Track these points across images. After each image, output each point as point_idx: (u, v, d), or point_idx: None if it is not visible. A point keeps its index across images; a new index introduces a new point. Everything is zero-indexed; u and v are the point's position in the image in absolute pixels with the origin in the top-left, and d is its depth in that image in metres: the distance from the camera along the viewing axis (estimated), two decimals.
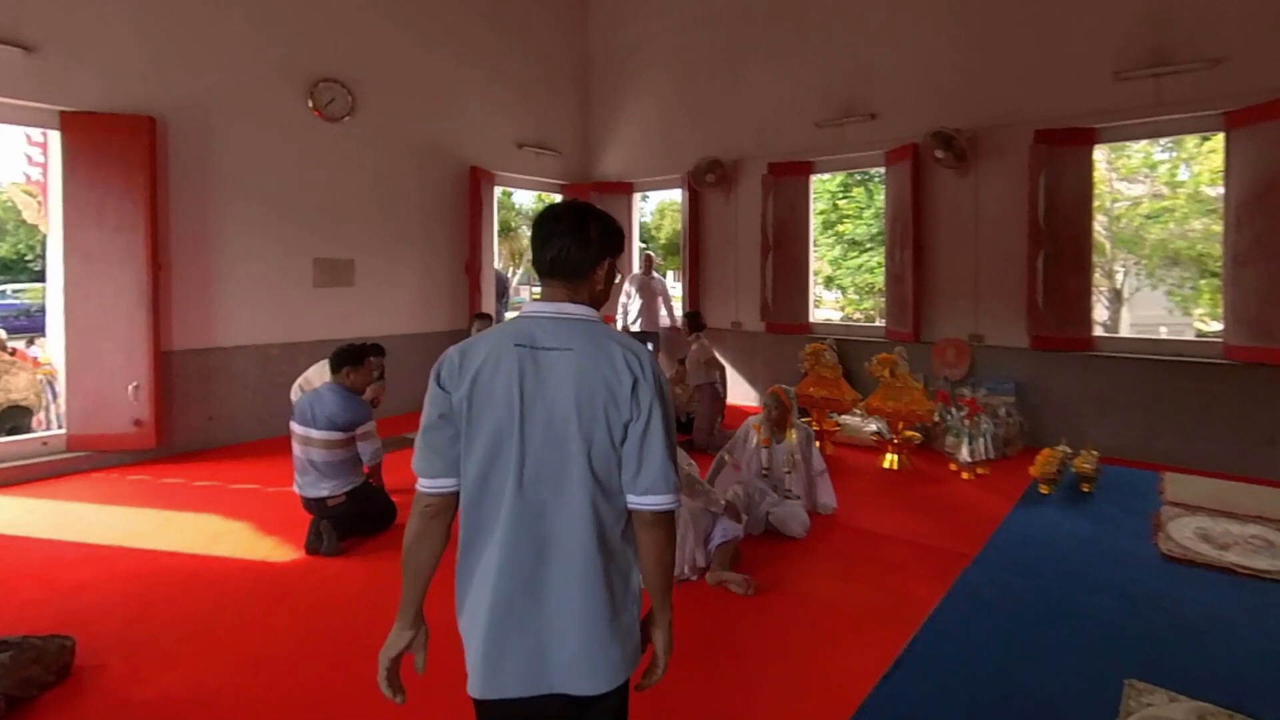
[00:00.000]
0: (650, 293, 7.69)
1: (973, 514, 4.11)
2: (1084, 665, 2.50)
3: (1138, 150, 11.68)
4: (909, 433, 5.19)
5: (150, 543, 3.67)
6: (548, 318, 1.31)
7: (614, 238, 1.39)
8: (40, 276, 11.28)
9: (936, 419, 5.10)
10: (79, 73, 4.87)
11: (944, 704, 2.29)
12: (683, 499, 3.17)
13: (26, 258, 18.58)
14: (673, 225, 24.39)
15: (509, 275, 22.05)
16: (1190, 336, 11.02)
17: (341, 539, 3.56)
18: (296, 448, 3.68)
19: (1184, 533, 3.66)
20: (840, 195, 14.95)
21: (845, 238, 15.01)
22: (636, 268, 8.28)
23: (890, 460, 5.09)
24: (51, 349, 5.63)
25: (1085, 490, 4.42)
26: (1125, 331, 12.10)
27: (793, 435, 4.01)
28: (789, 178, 7.02)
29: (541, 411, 1.25)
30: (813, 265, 7.37)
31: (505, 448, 1.25)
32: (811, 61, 6.85)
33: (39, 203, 5.26)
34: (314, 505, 3.61)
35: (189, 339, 5.44)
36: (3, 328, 7.50)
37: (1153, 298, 13.06)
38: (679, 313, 7.91)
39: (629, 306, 7.69)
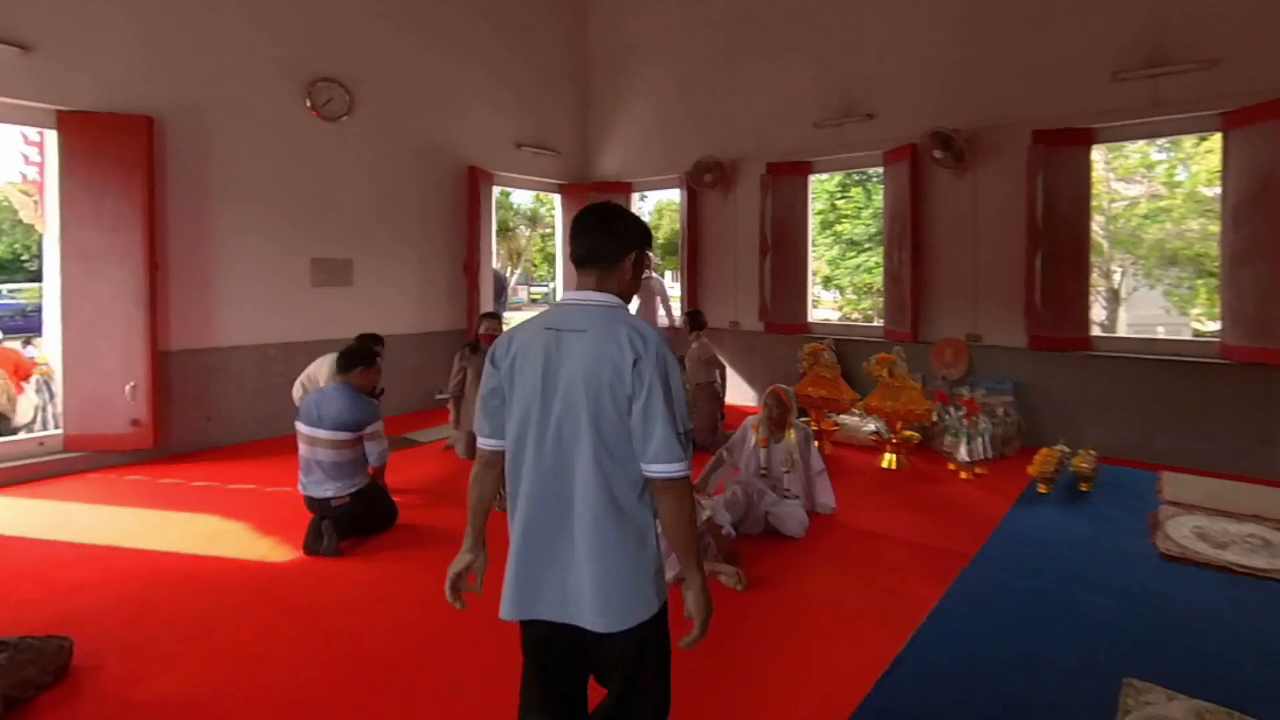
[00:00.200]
0: (648, 292, 7.68)
1: (971, 513, 4.12)
2: (1082, 664, 2.50)
3: (1135, 150, 11.70)
4: (907, 432, 5.20)
5: (148, 543, 3.66)
6: (575, 304, 1.53)
7: (638, 232, 1.57)
8: (36, 276, 11.26)
9: (935, 419, 5.11)
10: (76, 72, 4.86)
11: (942, 703, 2.29)
12: None
13: (23, 257, 18.54)
14: (671, 225, 24.36)
15: (507, 275, 22.06)
16: (1188, 336, 11.04)
17: (342, 539, 3.56)
18: (302, 447, 3.67)
19: (1182, 532, 3.67)
20: (838, 195, 14.97)
21: (843, 238, 15.02)
22: None
23: (889, 460, 5.10)
24: (48, 349, 5.61)
25: (1083, 490, 4.43)
26: (1123, 331, 12.13)
27: (791, 435, 4.01)
28: (787, 178, 7.02)
29: (561, 385, 1.44)
30: (811, 265, 7.37)
31: (533, 415, 1.47)
32: (810, 61, 6.86)
33: (35, 202, 5.24)
34: (317, 505, 3.60)
35: (186, 339, 5.43)
36: None
37: (1150, 297, 13.09)
38: (677, 312, 7.92)
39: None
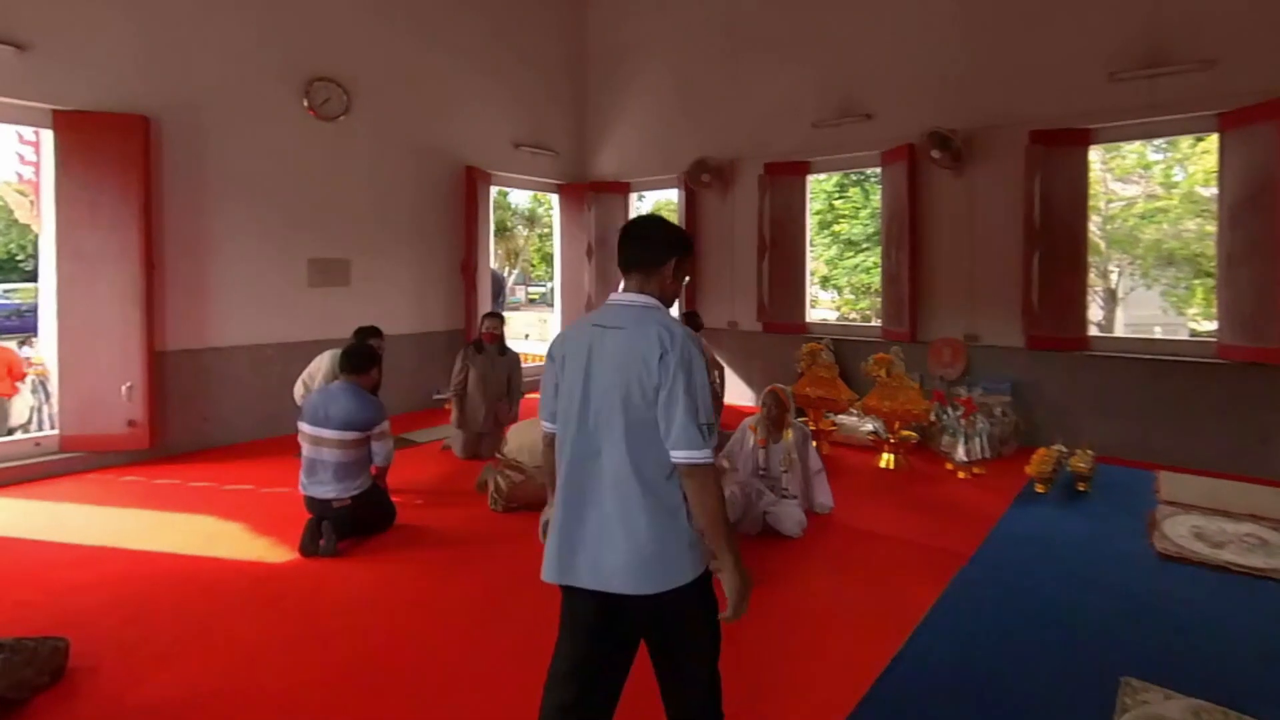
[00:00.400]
0: None
1: (969, 513, 4.12)
2: (1080, 663, 2.50)
3: (1132, 150, 11.73)
4: (905, 432, 5.20)
5: (144, 544, 3.65)
6: (618, 304, 1.70)
7: (678, 240, 1.74)
8: (32, 276, 11.21)
9: (932, 418, 5.11)
10: (72, 72, 4.84)
11: (941, 702, 2.29)
12: None
13: (18, 257, 18.49)
14: None
15: (505, 275, 22.04)
16: (1184, 336, 11.07)
17: (340, 540, 3.55)
18: (306, 448, 3.65)
19: (1179, 531, 3.67)
20: (836, 195, 14.99)
21: (841, 238, 15.05)
22: None
23: (886, 460, 5.10)
24: (44, 349, 5.59)
25: (1081, 489, 4.44)
26: (1120, 331, 12.16)
27: (789, 435, 4.01)
28: (785, 178, 7.03)
29: (599, 376, 1.61)
30: (809, 265, 7.37)
31: (575, 402, 1.64)
32: (808, 62, 6.86)
33: (31, 202, 5.23)
34: (317, 505, 3.59)
35: (183, 339, 5.41)
36: None
37: (1147, 297, 13.13)
38: (676, 313, 7.91)
39: None
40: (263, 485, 4.61)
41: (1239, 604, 2.95)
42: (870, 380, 5.27)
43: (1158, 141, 10.90)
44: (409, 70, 6.86)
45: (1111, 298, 12.93)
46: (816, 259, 14.76)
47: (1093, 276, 9.69)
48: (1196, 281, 12.04)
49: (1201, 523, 3.78)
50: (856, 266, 14.78)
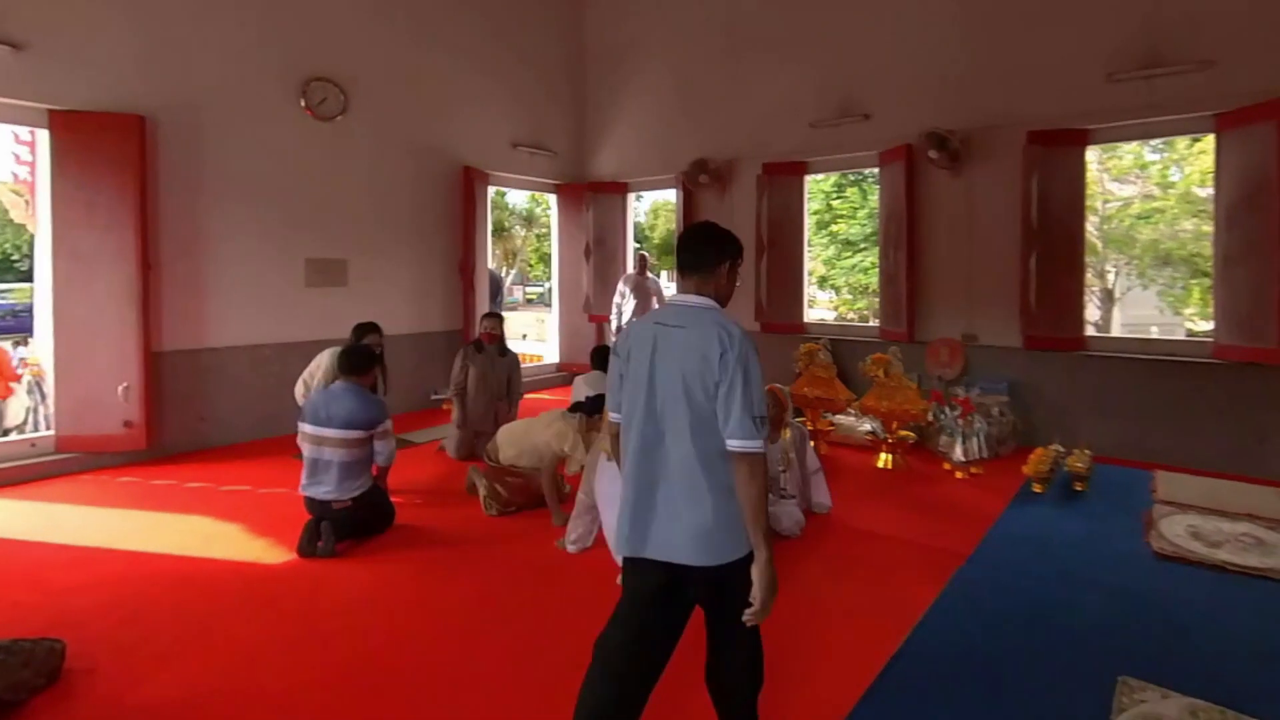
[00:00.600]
0: (645, 293, 7.68)
1: (966, 513, 4.12)
2: (1077, 663, 2.51)
3: (1129, 151, 11.76)
4: (903, 432, 5.21)
5: (141, 545, 3.64)
6: (678, 305, 1.86)
7: (732, 245, 1.93)
8: (28, 276, 11.18)
9: (930, 418, 5.12)
10: (68, 71, 4.82)
11: (938, 702, 2.29)
12: None
13: (14, 257, 18.42)
14: (667, 225, 24.37)
15: (503, 275, 22.03)
16: (1181, 336, 11.10)
17: (339, 540, 3.54)
18: (308, 448, 3.64)
19: (1176, 531, 3.68)
20: (834, 195, 15.01)
21: (839, 238, 15.07)
22: (631, 268, 8.28)
23: (884, 460, 5.10)
24: (40, 349, 5.57)
25: (1078, 489, 4.45)
26: (1117, 331, 12.20)
27: (787, 434, 4.01)
28: (783, 178, 7.03)
29: (663, 370, 1.76)
30: (807, 265, 7.37)
31: (640, 393, 1.79)
32: (806, 62, 6.86)
33: (27, 202, 5.22)
34: (317, 506, 3.58)
35: (180, 339, 5.39)
36: None
37: (1144, 298, 13.16)
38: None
39: (623, 307, 7.68)
40: (260, 486, 4.60)
41: (1236, 603, 2.96)
42: (868, 380, 5.27)
43: (1155, 142, 10.93)
44: (406, 70, 6.85)
45: (1108, 298, 12.97)
46: (814, 259, 14.77)
47: (1090, 276, 9.72)
48: (1193, 281, 12.07)
49: (1198, 522, 3.79)
50: (854, 266, 14.80)
